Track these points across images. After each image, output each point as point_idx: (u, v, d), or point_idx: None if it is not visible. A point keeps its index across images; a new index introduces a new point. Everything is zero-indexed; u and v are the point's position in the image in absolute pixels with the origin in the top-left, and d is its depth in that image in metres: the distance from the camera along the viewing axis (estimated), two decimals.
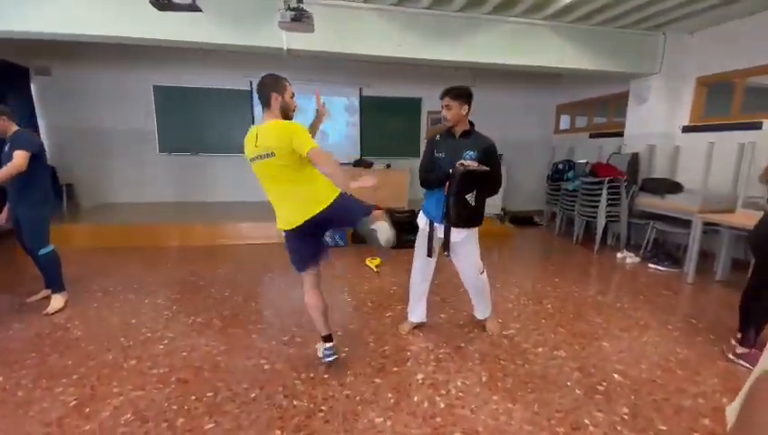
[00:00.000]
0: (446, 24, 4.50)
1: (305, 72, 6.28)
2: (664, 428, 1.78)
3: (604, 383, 2.12)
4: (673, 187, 4.51)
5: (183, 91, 6.35)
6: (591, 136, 6.72)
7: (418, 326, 2.72)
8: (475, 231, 2.49)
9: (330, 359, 2.22)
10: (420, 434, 1.73)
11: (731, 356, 2.38)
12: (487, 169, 2.26)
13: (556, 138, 7.70)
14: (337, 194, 1.94)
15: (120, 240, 4.76)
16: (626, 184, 4.71)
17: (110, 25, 3.83)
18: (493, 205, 6.86)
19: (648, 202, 4.59)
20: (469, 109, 2.38)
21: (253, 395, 1.98)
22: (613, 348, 2.51)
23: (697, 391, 2.06)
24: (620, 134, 5.77)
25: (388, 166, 6.11)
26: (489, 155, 2.37)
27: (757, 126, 4.25)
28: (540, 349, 2.48)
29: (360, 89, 6.87)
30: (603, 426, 1.79)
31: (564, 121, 7.74)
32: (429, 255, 2.53)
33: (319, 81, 6.53)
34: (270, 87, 1.93)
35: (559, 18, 4.66)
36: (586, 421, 1.82)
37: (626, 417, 1.85)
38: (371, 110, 6.97)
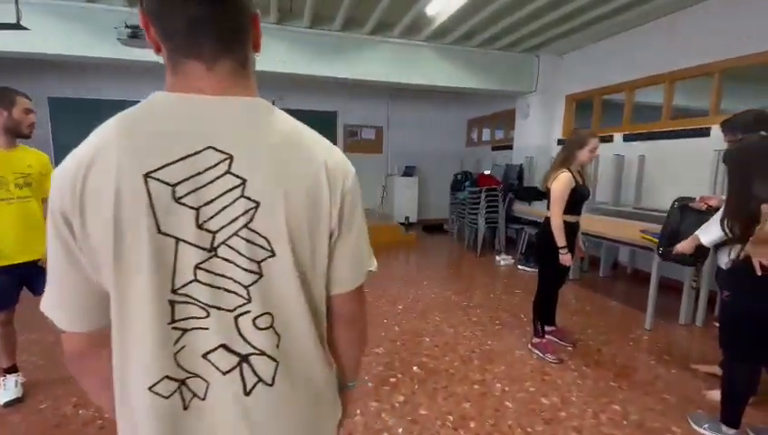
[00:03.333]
0: (328, 43, 4.71)
1: None
2: (425, 412, 1.96)
3: (400, 375, 2.29)
4: (539, 194, 4.93)
5: (81, 104, 6.15)
6: (493, 149, 7.19)
7: None
8: None
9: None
10: None
11: (530, 346, 2.65)
12: None
13: (467, 150, 8.15)
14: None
15: None
16: (501, 193, 5.09)
17: None
18: (398, 215, 7.14)
19: (519, 209, 5.00)
20: None
21: None
22: (431, 342, 2.71)
23: (478, 379, 2.27)
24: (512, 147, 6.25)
25: None
26: None
27: (609, 139, 4.77)
28: None
29: (273, 101, 6.89)
30: (369, 415, 1.94)
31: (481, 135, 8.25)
32: None
33: None
34: None
35: (438, 40, 5.02)
36: (358, 411, 1.96)
37: (396, 405, 2.02)
38: None
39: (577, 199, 2.40)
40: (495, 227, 5.26)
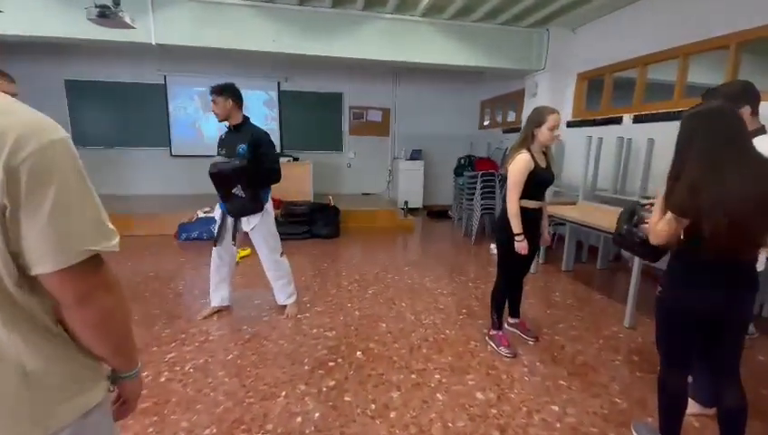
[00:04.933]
0: (319, 21, 4.59)
1: (221, 65, 6.37)
2: (348, 399, 1.92)
3: (340, 360, 2.26)
4: None
5: (94, 85, 6.42)
6: (504, 132, 6.85)
7: (219, 311, 2.84)
8: (266, 219, 2.61)
9: None
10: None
11: (486, 338, 2.52)
12: (237, 163, 2.37)
13: (479, 133, 7.82)
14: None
15: None
16: (499, 178, 4.84)
17: None
18: (390, 199, 7.01)
19: None
20: (236, 102, 2.49)
21: None
22: (386, 329, 2.64)
23: (419, 368, 2.19)
24: None
25: (296, 159, 6.21)
26: (258, 146, 2.49)
27: (618, 121, 4.39)
28: (315, 330, 2.61)
29: (279, 83, 6.96)
30: (292, 398, 1.92)
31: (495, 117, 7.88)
32: (216, 243, 2.65)
33: (236, 75, 6.62)
34: None
35: (435, 15, 4.76)
36: (283, 393, 1.95)
37: (324, 389, 1.98)
38: (291, 104, 7.06)
39: (537, 183, 2.21)
40: (493, 214, 5.03)
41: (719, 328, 1.37)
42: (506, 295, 2.50)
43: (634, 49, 4.18)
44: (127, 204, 5.88)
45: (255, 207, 2.53)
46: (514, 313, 2.65)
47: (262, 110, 6.99)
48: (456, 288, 3.46)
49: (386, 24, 4.74)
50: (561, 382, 2.09)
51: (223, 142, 2.59)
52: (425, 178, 7.37)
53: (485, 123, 7.78)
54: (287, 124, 7.11)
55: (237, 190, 2.44)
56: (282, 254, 2.76)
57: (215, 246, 2.68)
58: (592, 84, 5.02)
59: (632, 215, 1.68)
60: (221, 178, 2.40)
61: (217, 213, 2.70)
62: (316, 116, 7.22)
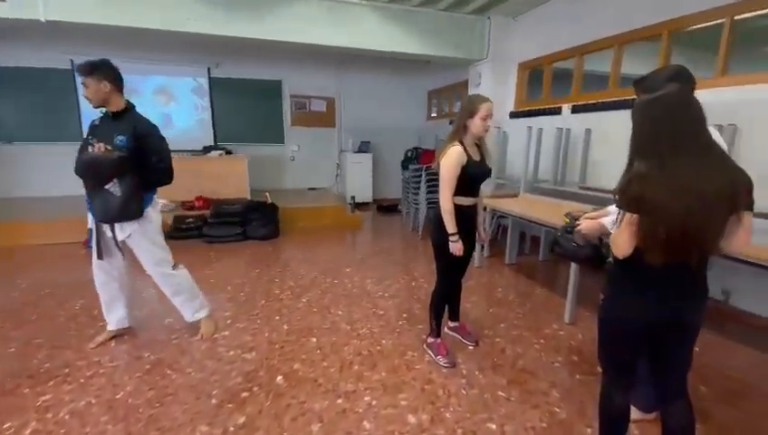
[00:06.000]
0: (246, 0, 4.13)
1: (138, 48, 5.65)
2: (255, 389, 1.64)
3: (256, 389, 1.95)
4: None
5: None
6: (451, 123, 6.72)
7: (118, 335, 2.41)
8: (145, 227, 2.18)
9: None
10: None
11: (425, 346, 2.33)
12: (113, 155, 1.97)
13: (427, 124, 7.68)
14: None
15: None
16: (433, 173, 4.68)
17: None
18: (333, 192, 6.74)
19: None
20: (114, 84, 2.05)
21: None
22: (317, 344, 2.37)
23: (348, 390, 1.95)
24: None
25: (228, 152, 5.69)
26: (143, 138, 2.08)
27: (557, 111, 4.38)
28: (231, 352, 2.27)
29: (209, 69, 6.34)
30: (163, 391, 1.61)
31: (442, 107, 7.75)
32: (100, 257, 2.21)
33: (159, 60, 5.94)
34: None
35: None
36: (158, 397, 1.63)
37: (231, 429, 1.68)
38: (224, 92, 6.48)
39: (471, 178, 2.03)
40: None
41: (666, 340, 1.24)
42: (446, 300, 2.32)
43: (571, 39, 4.15)
44: (25, 209, 5.09)
45: (130, 211, 2.08)
46: (454, 316, 2.48)
47: (190, 98, 6.36)
48: (398, 289, 3.26)
49: (323, 7, 4.37)
50: (500, 393, 1.94)
51: (95, 131, 2.08)
52: (374, 171, 7.13)
53: (433, 114, 7.65)
54: (220, 114, 6.54)
55: (112, 187, 2.02)
56: (175, 266, 2.34)
57: (98, 259, 2.21)
58: (534, 74, 5.00)
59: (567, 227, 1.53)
60: (95, 168, 1.96)
61: (90, 220, 2.21)
62: (253, 105, 6.70)
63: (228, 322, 2.63)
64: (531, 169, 4.25)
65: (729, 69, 2.85)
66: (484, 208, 3.69)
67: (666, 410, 1.31)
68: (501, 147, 5.16)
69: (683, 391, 1.29)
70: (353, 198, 6.06)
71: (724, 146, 1.53)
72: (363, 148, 7.03)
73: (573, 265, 2.62)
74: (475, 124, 1.97)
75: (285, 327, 2.58)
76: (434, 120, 7.57)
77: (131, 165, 2.01)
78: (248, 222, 4.65)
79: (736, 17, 2.75)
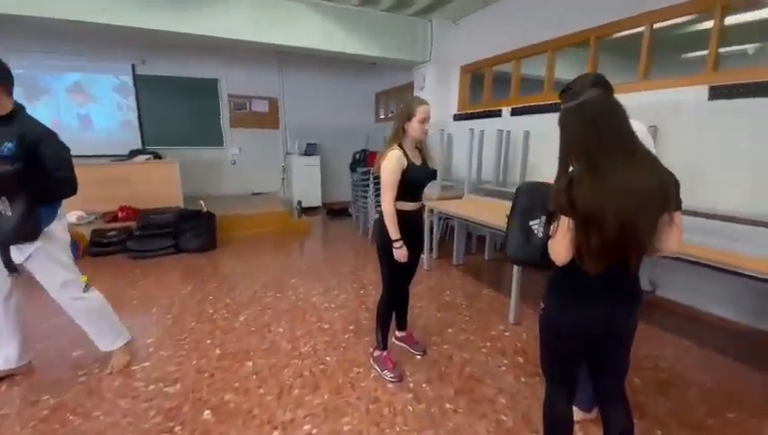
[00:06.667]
0: None
1: (48, 41, 4.99)
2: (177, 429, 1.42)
3: (178, 428, 1.71)
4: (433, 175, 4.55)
5: None
6: None
7: (11, 376, 2.03)
8: (47, 248, 1.86)
9: None
10: None
11: (372, 361, 2.21)
12: (4, 169, 1.65)
13: (375, 126, 7.61)
14: None
15: None
16: (374, 178, 4.63)
17: None
18: (283, 199, 6.49)
19: None
20: (1, 83, 1.73)
21: None
22: (253, 368, 2.16)
23: (285, 420, 1.77)
24: None
25: (157, 157, 5.20)
26: (36, 146, 1.76)
27: (498, 114, 4.48)
28: (151, 386, 1.99)
29: (134, 65, 5.77)
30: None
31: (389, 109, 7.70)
32: None
33: (73, 54, 5.28)
34: None
35: None
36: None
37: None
38: (152, 91, 5.93)
39: (412, 183, 1.94)
40: None
41: (603, 346, 1.22)
42: (393, 309, 2.22)
43: (510, 43, 4.27)
44: None
45: (27, 231, 1.77)
46: (401, 325, 2.39)
47: (112, 97, 5.74)
48: (346, 299, 3.11)
49: (254, 3, 4.11)
50: (448, 406, 1.87)
51: None
52: (322, 174, 6.92)
53: (381, 116, 7.60)
54: (148, 115, 5.97)
55: (1, 205, 1.69)
56: (86, 288, 2.04)
57: None
58: (476, 77, 5.09)
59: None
60: None
61: None
62: (186, 106, 6.21)
63: (150, 350, 2.32)
64: (474, 171, 4.30)
65: (650, 74, 3.04)
66: (430, 211, 3.69)
67: (605, 414, 1.31)
68: (446, 149, 5.20)
69: (621, 395, 1.29)
70: (300, 202, 5.81)
71: (651, 144, 1.58)
72: (310, 150, 6.78)
73: (516, 267, 2.64)
74: (413, 127, 1.89)
75: (217, 352, 2.33)
76: (382, 122, 7.51)
77: (24, 178, 1.68)
78: (180, 233, 4.25)
79: (655, 25, 2.94)
